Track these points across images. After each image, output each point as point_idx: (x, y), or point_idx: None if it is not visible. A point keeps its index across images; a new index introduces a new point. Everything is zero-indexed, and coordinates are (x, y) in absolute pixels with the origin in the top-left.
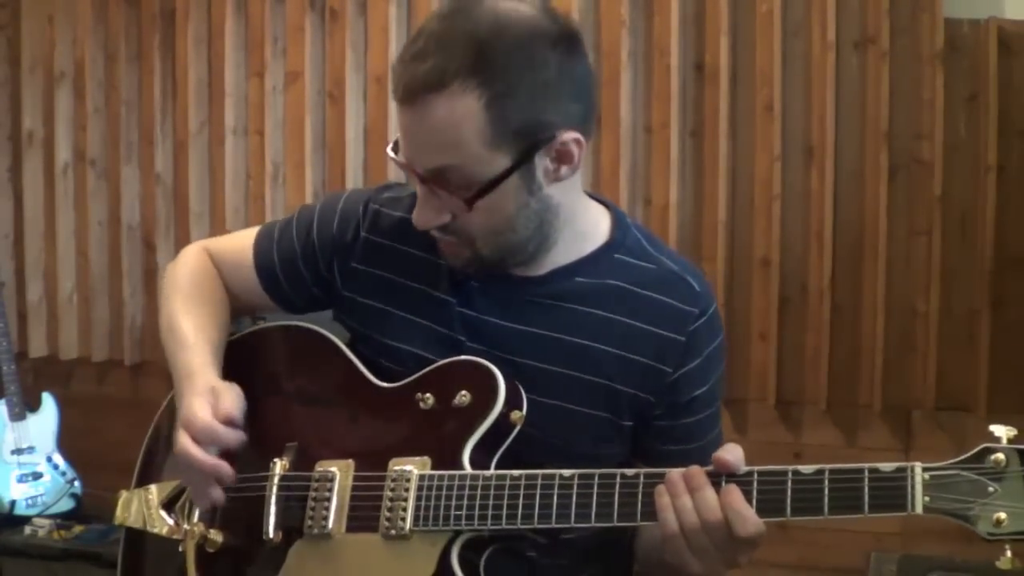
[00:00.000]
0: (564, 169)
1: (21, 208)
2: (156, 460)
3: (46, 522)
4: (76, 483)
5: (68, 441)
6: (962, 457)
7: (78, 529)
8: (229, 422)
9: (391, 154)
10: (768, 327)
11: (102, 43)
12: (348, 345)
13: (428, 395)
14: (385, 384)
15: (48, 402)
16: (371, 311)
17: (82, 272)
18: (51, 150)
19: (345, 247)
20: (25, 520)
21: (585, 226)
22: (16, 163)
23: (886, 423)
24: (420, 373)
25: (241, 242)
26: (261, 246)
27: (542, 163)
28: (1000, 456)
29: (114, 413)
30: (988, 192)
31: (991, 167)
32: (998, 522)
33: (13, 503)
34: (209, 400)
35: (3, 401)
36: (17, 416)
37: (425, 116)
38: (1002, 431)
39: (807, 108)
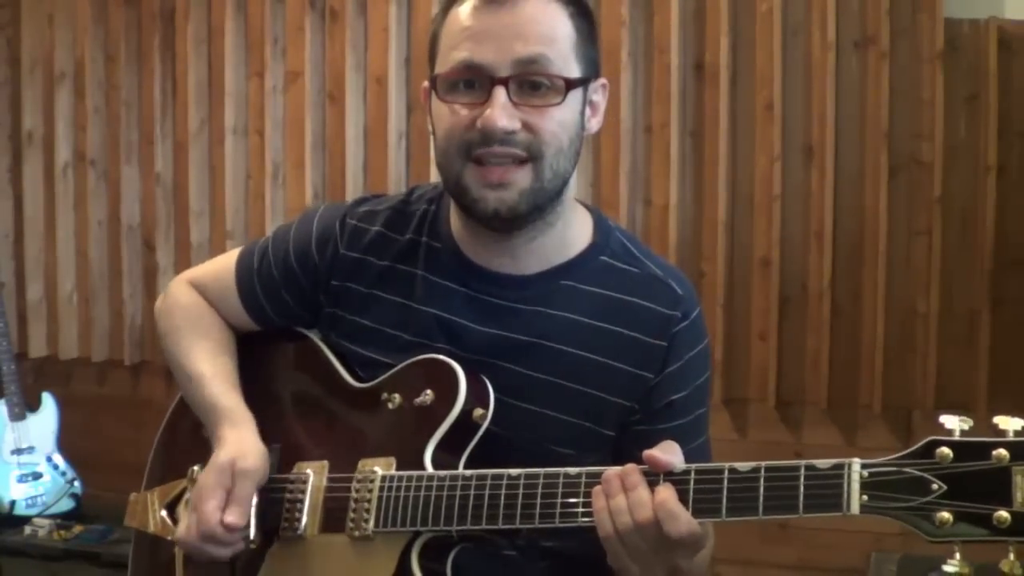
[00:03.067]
0: (594, 121)
1: (21, 208)
2: (165, 461)
3: (46, 522)
4: (76, 483)
5: (68, 441)
6: (906, 452)
7: (78, 529)
8: (232, 530)
9: (437, 82)
10: (768, 327)
11: (102, 43)
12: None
13: (395, 394)
14: (357, 384)
15: (48, 402)
16: (353, 326)
17: (82, 272)
18: (51, 150)
19: (325, 268)
20: (25, 520)
21: (571, 226)
22: (16, 163)
23: (886, 423)
24: (389, 372)
25: (223, 272)
26: (242, 276)
27: (588, 98)
28: (946, 451)
29: (114, 413)
30: (988, 192)
31: (991, 167)
32: (942, 522)
33: (13, 503)
34: (225, 486)
35: (3, 401)
36: (17, 416)
37: (522, 10)
38: (954, 423)
39: (807, 108)
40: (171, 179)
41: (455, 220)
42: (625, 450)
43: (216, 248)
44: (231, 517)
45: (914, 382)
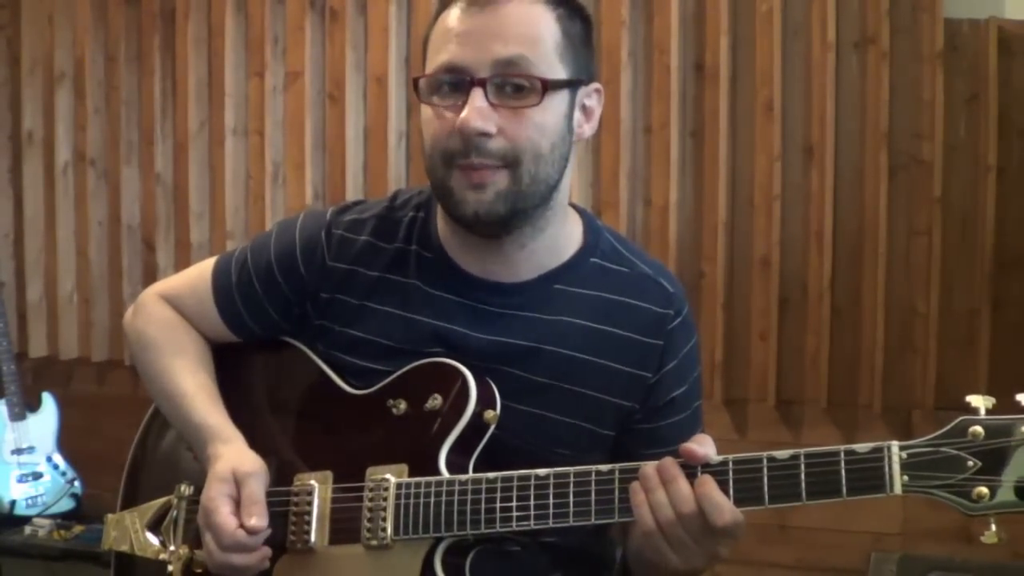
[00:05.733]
0: (587, 126)
1: (21, 208)
2: (140, 480)
3: (46, 522)
4: (76, 483)
5: (68, 441)
6: (939, 432)
7: (78, 529)
8: (255, 531)
9: (421, 86)
10: (768, 327)
11: (102, 43)
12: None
13: (400, 400)
14: (356, 392)
15: (48, 402)
16: (344, 337)
17: (82, 272)
18: (51, 150)
19: (312, 279)
20: (25, 520)
21: (563, 230)
22: (16, 163)
23: (886, 423)
24: (390, 379)
25: (198, 284)
26: (220, 288)
27: (578, 103)
28: (978, 429)
29: (114, 413)
30: (988, 192)
31: (991, 167)
32: (979, 496)
33: (13, 503)
34: (231, 494)
35: (3, 401)
36: (17, 416)
37: (505, 12)
38: (980, 402)
39: (807, 108)
40: (171, 179)
41: (444, 228)
42: (627, 448)
43: (216, 248)
44: (252, 519)
45: (914, 382)
